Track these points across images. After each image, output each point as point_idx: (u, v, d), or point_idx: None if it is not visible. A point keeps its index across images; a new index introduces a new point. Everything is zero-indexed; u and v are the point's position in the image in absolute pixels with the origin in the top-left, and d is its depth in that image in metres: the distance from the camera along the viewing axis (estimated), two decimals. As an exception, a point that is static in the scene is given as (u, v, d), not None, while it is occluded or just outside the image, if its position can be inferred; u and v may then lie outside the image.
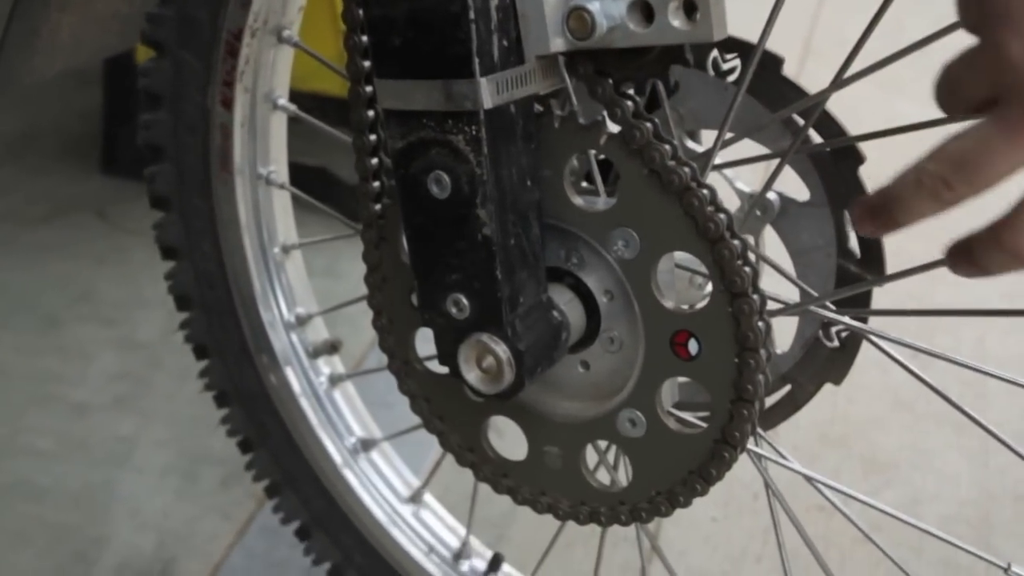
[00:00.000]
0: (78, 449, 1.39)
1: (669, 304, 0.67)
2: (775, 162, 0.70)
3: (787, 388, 0.81)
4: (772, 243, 0.80)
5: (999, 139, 0.49)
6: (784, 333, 0.79)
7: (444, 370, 0.69)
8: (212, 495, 1.32)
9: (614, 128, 0.64)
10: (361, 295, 0.78)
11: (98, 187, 2.03)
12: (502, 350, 0.65)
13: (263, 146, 0.92)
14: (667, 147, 0.63)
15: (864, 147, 0.73)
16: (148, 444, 1.40)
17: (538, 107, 0.66)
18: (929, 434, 1.46)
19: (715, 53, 0.75)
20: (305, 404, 0.98)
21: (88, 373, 1.54)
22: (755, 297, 0.64)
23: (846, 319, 0.72)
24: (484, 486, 0.79)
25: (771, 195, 0.77)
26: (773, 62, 0.74)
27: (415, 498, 1.00)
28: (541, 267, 0.68)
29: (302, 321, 0.98)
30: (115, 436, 1.41)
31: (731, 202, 0.72)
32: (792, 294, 0.73)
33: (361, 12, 0.63)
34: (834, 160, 0.74)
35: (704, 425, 0.69)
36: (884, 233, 0.68)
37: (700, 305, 0.66)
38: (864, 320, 0.74)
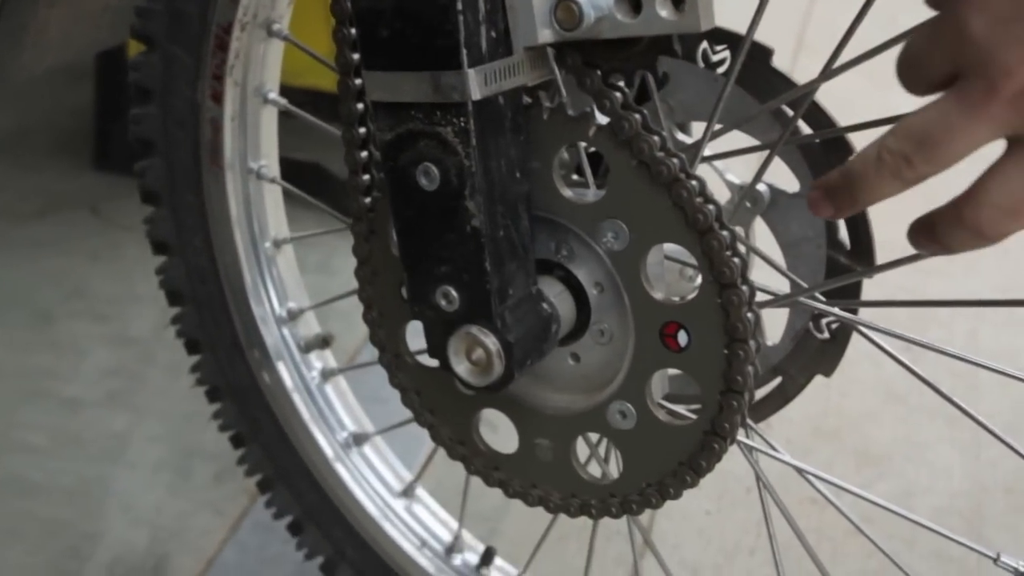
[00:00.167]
0: (71, 445, 1.39)
1: (658, 295, 0.67)
2: (765, 153, 0.70)
3: (778, 380, 0.81)
4: (762, 235, 0.80)
5: (959, 115, 0.49)
6: (775, 325, 0.79)
7: (434, 363, 0.69)
8: (205, 490, 1.32)
9: (603, 120, 0.64)
10: (353, 289, 0.78)
11: (91, 183, 2.03)
12: (491, 342, 0.64)
13: (253, 140, 0.92)
14: (656, 138, 0.63)
15: (853, 138, 0.73)
16: (141, 439, 1.40)
17: (527, 99, 0.66)
18: (922, 427, 1.46)
19: (704, 44, 0.75)
20: (297, 399, 0.98)
21: (81, 369, 1.54)
22: (744, 288, 0.64)
23: (836, 310, 0.72)
24: (476, 480, 0.79)
25: (761, 187, 0.77)
26: (762, 53, 0.74)
27: (407, 492, 1.00)
28: (531, 259, 0.67)
29: (294, 316, 0.98)
30: (108, 432, 1.41)
31: (721, 194, 0.72)
32: (782, 286, 0.73)
33: (349, 4, 0.63)
34: (824, 151, 0.74)
35: (694, 417, 0.69)
36: (841, 216, 0.68)
37: (690, 297, 0.66)
38: (854, 311, 0.74)
